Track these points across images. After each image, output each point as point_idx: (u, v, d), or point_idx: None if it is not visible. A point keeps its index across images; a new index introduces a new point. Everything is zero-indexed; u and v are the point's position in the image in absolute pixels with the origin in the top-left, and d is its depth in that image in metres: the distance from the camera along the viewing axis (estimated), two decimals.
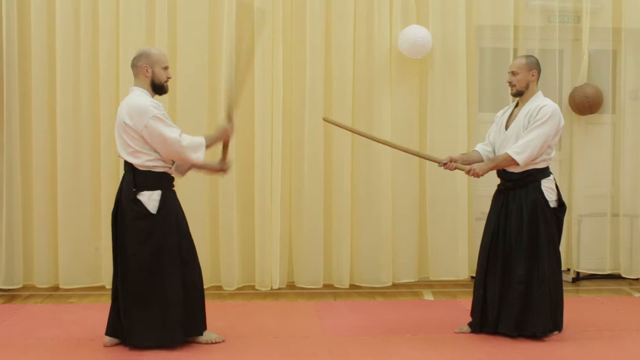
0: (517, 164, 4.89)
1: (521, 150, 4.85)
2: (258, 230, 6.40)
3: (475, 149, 5.26)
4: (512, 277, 4.92)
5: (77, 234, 6.34)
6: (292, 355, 4.65)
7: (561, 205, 5.05)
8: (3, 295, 6.22)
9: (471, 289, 6.42)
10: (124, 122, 4.56)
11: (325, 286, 6.52)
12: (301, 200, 6.47)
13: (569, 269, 6.97)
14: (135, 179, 4.61)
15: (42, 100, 6.32)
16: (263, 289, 6.41)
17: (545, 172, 5.00)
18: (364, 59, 6.49)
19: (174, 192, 4.79)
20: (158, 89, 4.73)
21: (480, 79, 6.79)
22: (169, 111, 6.27)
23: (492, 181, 6.65)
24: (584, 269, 6.96)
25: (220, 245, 6.42)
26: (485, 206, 6.67)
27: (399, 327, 5.25)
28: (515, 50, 6.68)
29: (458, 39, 6.57)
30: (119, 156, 4.72)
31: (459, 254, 6.63)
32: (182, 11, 6.32)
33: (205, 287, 6.38)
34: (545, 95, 5.05)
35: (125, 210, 4.63)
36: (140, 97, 4.62)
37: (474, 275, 6.68)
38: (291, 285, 6.55)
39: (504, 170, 5.03)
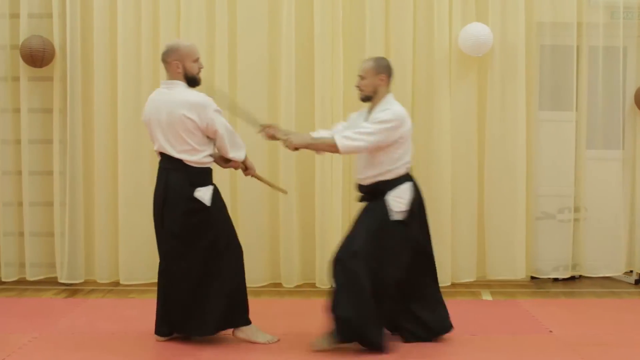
0: (338, 150, 4.58)
1: (347, 136, 4.55)
2: (318, 228, 6.40)
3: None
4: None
5: (137, 230, 6.41)
6: (349, 353, 4.62)
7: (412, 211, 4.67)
8: (66, 289, 6.35)
9: (531, 290, 6.41)
10: (186, 118, 4.52)
11: None
12: None
13: (631, 271, 6.82)
14: (190, 177, 4.61)
15: (104, 99, 6.43)
16: (323, 287, 6.41)
17: (397, 185, 4.65)
18: (423, 56, 6.43)
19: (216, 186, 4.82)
20: (191, 81, 4.71)
21: (540, 77, 6.66)
22: (229, 112, 6.35)
23: (556, 180, 6.60)
24: None
25: (280, 243, 6.43)
26: (546, 205, 6.66)
27: (458, 328, 5.17)
28: (577, 48, 6.54)
29: (518, 36, 6.46)
30: (162, 153, 4.67)
31: (517, 254, 6.54)
32: (242, 8, 6.36)
33: (264, 283, 6.46)
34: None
35: (176, 208, 4.62)
36: (192, 91, 4.64)
37: (533, 275, 6.65)
38: None
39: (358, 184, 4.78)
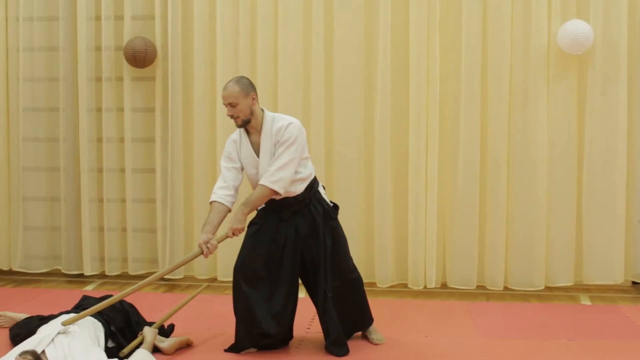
0: (279, 193, 4.47)
1: (277, 178, 4.42)
2: (412, 229, 6.38)
3: (212, 199, 4.64)
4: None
5: None
6: (443, 354, 4.63)
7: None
8: (165, 284, 6.54)
9: (632, 295, 6.23)
10: None
11: (477, 287, 6.41)
12: (455, 200, 6.39)
13: None
14: None
15: (204, 98, 6.57)
16: (416, 288, 6.40)
17: (317, 180, 4.73)
18: (521, 54, 6.30)
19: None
20: None
21: None
22: (325, 112, 6.45)
23: None
24: None
25: (375, 243, 6.45)
26: None
27: (555, 332, 5.11)
28: None
29: (620, 34, 6.25)
30: None
31: (616, 257, 6.36)
32: (338, 10, 6.39)
33: None
34: None
35: None
36: None
37: (635, 280, 6.45)
38: (443, 285, 6.48)
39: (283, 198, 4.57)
